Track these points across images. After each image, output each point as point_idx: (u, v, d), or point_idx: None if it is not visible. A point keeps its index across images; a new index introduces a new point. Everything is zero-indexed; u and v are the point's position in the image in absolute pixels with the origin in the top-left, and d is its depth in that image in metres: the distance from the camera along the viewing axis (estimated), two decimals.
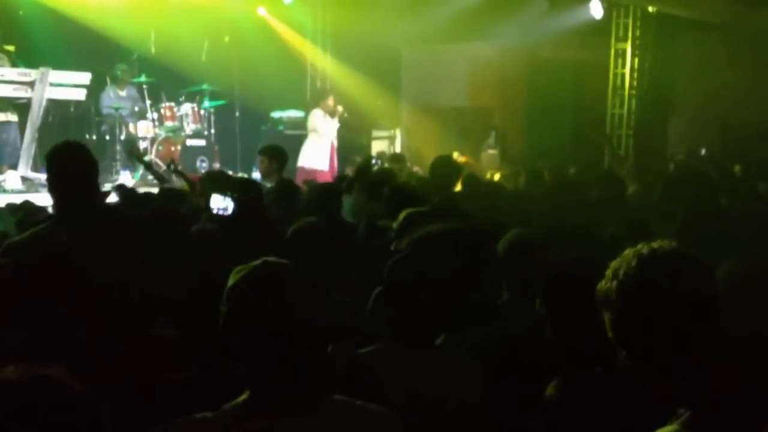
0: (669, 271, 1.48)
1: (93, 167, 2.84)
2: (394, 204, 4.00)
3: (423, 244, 2.36)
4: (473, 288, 2.45)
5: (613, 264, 1.53)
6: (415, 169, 8.96)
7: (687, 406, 1.48)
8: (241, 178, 5.26)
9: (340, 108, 8.80)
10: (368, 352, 2.14)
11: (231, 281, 1.59)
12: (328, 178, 7.66)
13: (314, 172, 8.20)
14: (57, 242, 2.49)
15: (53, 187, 2.83)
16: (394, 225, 3.43)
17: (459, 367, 2.17)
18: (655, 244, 1.52)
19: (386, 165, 7.58)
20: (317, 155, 8.57)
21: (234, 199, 3.83)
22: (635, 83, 11.17)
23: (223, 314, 1.57)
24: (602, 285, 1.53)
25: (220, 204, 3.80)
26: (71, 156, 2.84)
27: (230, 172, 8.79)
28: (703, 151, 8.08)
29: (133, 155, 6.72)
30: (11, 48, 8.39)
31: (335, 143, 8.90)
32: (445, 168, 4.81)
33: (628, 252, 1.53)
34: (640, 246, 1.53)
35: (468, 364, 2.18)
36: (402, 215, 3.39)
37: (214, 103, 9.90)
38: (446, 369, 2.14)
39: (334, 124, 8.69)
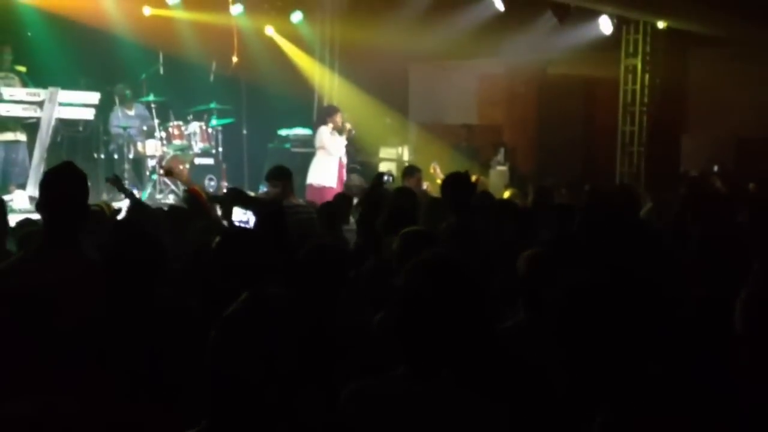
0: None
1: (79, 192, 2.76)
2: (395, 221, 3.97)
3: (416, 275, 2.24)
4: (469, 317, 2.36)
5: None
6: (425, 185, 8.89)
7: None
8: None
9: (348, 125, 8.74)
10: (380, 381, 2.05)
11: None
12: None
13: (323, 189, 8.14)
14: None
15: (39, 208, 2.80)
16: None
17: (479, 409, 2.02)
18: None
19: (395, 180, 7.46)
20: (325, 172, 8.50)
21: (255, 213, 3.79)
22: (646, 99, 11.08)
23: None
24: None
25: (241, 217, 3.76)
26: (60, 178, 2.78)
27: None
28: (716, 168, 7.97)
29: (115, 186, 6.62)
30: (23, 69, 8.43)
31: (344, 160, 8.83)
32: (459, 185, 4.72)
33: None
34: None
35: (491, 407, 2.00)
36: (399, 236, 3.34)
37: (222, 122, 9.89)
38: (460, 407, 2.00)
39: (341, 141, 8.63)
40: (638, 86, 11.11)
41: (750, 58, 10.30)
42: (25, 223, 4.34)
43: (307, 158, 9.09)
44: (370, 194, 5.42)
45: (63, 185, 2.75)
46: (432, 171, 8.93)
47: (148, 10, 9.88)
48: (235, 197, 4.92)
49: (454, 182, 4.69)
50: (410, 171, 7.47)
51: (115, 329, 2.38)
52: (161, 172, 6.69)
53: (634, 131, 11.20)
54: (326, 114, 9.08)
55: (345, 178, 8.67)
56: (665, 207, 5.91)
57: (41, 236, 2.80)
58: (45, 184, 2.78)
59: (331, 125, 8.65)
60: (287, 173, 5.69)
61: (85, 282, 2.53)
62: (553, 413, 2.06)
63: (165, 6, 9.89)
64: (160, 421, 2.10)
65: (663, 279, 3.23)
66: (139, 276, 2.53)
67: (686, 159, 11.09)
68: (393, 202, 5.01)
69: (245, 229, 3.40)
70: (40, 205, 2.79)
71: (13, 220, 6.00)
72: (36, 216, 5.07)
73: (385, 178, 6.00)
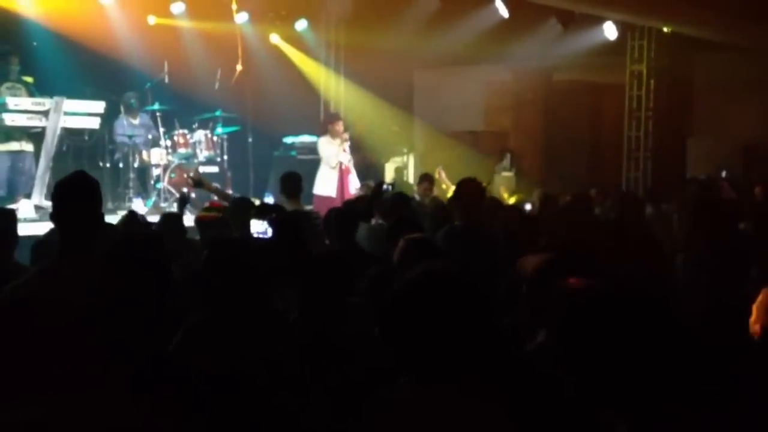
0: None
1: (91, 201, 2.77)
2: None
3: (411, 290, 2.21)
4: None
5: None
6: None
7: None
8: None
9: (345, 134, 8.71)
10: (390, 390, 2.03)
11: None
12: (337, 204, 7.58)
13: (323, 198, 8.14)
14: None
15: (53, 219, 2.80)
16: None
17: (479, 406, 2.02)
18: None
19: (415, 187, 7.50)
20: (324, 182, 8.52)
21: (272, 223, 3.80)
22: (652, 105, 11.05)
23: None
24: None
25: (260, 228, 3.77)
26: (71, 188, 2.78)
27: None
28: (724, 173, 7.92)
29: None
30: (30, 79, 8.45)
31: (350, 167, 8.78)
32: (470, 190, 4.74)
33: None
34: None
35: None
36: (401, 243, 3.34)
37: (227, 130, 9.90)
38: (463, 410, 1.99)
39: (337, 150, 8.57)
40: (644, 91, 11.08)
41: (756, 63, 10.27)
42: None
43: (313, 166, 9.07)
44: (362, 204, 5.46)
45: (76, 194, 2.76)
46: (437, 176, 8.93)
47: (152, 20, 9.92)
48: (246, 208, 4.89)
49: (463, 187, 4.72)
50: (420, 179, 7.75)
51: (125, 332, 2.38)
52: (190, 182, 6.65)
53: (640, 136, 11.17)
54: (327, 122, 9.08)
55: (349, 186, 8.63)
56: (665, 213, 5.90)
57: (57, 246, 2.81)
58: (58, 194, 2.80)
59: (330, 134, 8.65)
60: (288, 183, 5.73)
61: (100, 289, 2.54)
62: (560, 419, 2.03)
63: (170, 15, 9.93)
64: (166, 424, 2.11)
65: (666, 287, 3.21)
66: (145, 276, 2.53)
67: (692, 164, 11.06)
68: (391, 209, 5.01)
69: (227, 238, 3.36)
70: (54, 215, 2.79)
71: (20, 230, 6.00)
72: (44, 225, 5.09)
73: (385, 187, 6.01)
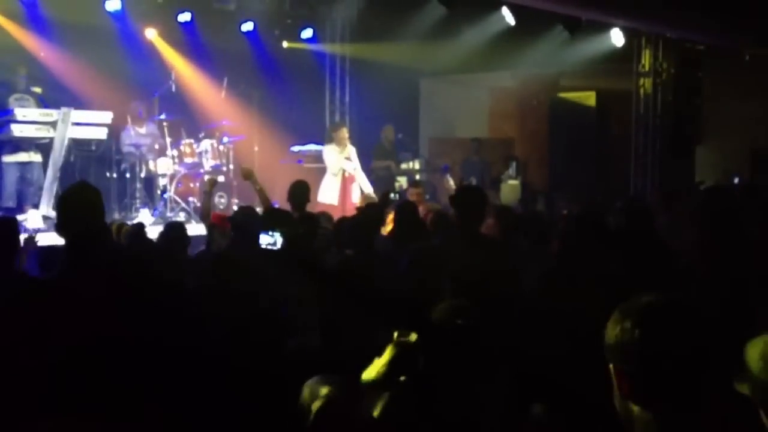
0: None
1: (93, 209, 2.81)
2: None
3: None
4: None
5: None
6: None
7: None
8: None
9: (346, 141, 8.72)
10: None
11: None
12: (339, 213, 7.57)
13: (326, 207, 8.14)
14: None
15: (58, 230, 2.88)
16: None
17: None
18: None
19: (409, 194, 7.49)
20: (327, 190, 8.55)
21: (282, 234, 3.83)
22: (659, 111, 11.02)
23: None
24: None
25: (269, 240, 3.81)
26: (73, 200, 2.84)
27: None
28: (736, 180, 7.85)
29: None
30: (39, 90, 8.48)
31: (356, 176, 8.78)
32: (471, 199, 4.68)
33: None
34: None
35: None
36: (407, 251, 3.33)
37: (234, 139, 9.91)
38: None
39: (341, 158, 8.59)
40: (651, 98, 11.05)
41: (763, 68, 10.22)
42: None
43: (319, 175, 9.08)
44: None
45: (79, 205, 2.79)
46: (445, 185, 8.92)
47: (152, 33, 9.88)
48: (249, 220, 4.86)
49: (463, 195, 4.68)
50: (415, 186, 7.79)
51: (136, 343, 2.38)
52: (243, 173, 6.83)
53: (648, 143, 11.13)
54: (331, 130, 9.14)
55: (352, 195, 8.63)
56: (675, 219, 5.86)
57: (64, 258, 2.85)
58: (61, 206, 2.84)
59: (335, 143, 8.68)
60: (296, 193, 5.75)
61: (108, 299, 2.55)
62: None
63: (176, 24, 9.94)
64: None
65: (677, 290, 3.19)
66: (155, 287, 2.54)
67: (700, 170, 11.00)
68: (398, 217, 5.00)
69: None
70: (59, 226, 2.83)
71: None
72: (51, 235, 5.11)
73: (392, 195, 6.00)
